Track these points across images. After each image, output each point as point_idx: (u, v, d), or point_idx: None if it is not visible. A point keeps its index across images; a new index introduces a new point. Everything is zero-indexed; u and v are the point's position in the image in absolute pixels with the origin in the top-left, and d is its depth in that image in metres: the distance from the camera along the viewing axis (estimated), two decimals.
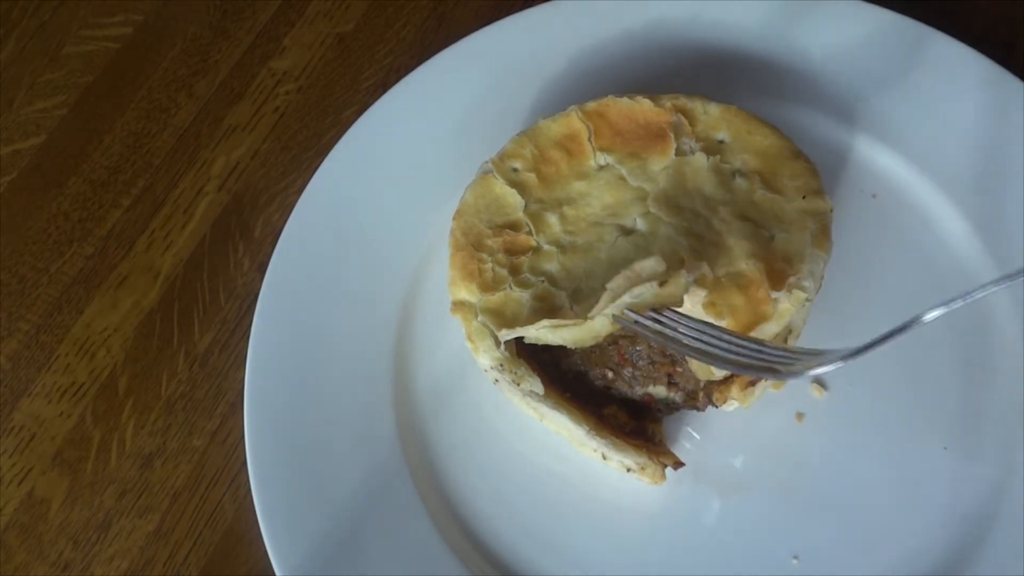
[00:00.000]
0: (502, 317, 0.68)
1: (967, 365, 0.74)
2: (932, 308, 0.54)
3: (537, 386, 0.68)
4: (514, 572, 0.70)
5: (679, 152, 0.72)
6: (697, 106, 0.74)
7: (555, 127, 0.74)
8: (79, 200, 0.89)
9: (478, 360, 0.68)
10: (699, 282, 0.65)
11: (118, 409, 0.80)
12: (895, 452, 0.71)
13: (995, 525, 0.68)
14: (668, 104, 0.74)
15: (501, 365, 0.67)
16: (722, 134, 0.74)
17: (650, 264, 0.63)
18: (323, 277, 0.79)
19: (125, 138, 0.92)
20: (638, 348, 0.70)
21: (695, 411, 0.71)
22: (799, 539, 0.69)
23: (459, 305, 0.69)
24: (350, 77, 0.93)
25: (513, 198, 0.72)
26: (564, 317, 0.65)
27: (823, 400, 0.74)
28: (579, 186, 0.72)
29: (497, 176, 0.73)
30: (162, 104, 0.93)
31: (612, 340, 0.70)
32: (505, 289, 0.68)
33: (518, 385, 0.68)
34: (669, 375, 0.70)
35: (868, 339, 0.75)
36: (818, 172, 0.72)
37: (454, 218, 0.72)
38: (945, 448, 0.71)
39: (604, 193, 0.72)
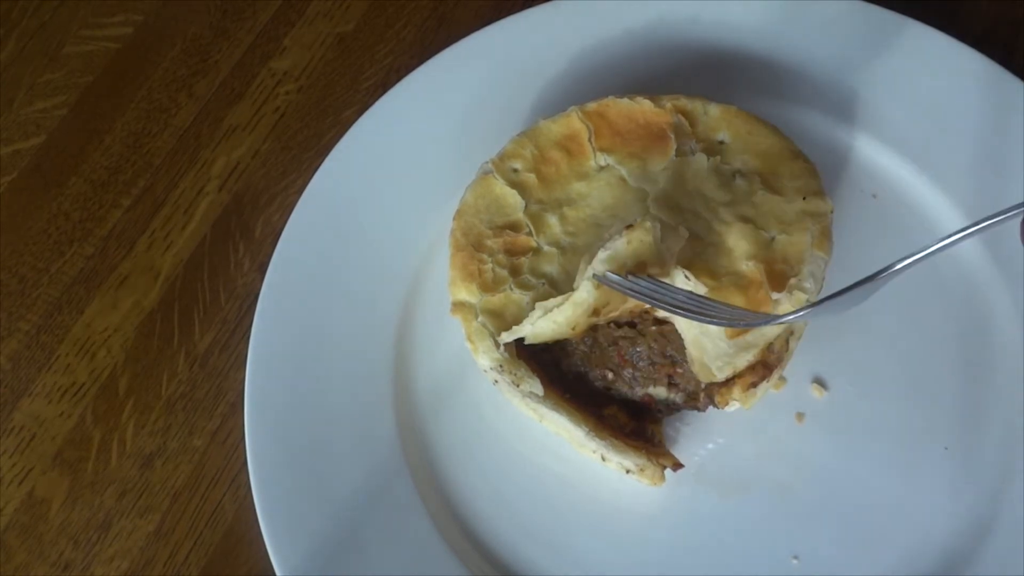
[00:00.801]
0: (502, 318, 0.68)
1: (967, 365, 0.74)
2: (903, 259, 0.54)
3: (537, 387, 0.68)
4: (514, 572, 0.70)
5: (679, 153, 0.72)
6: (697, 107, 0.74)
7: (555, 127, 0.74)
8: (79, 200, 0.89)
9: (478, 361, 0.68)
10: (696, 271, 0.65)
11: (118, 409, 0.80)
12: (895, 452, 0.71)
13: (995, 525, 0.68)
14: (668, 105, 0.74)
15: (501, 366, 0.67)
16: (722, 135, 0.74)
17: (617, 226, 0.64)
18: (323, 277, 0.79)
19: (125, 138, 0.92)
20: (638, 349, 0.70)
21: (695, 412, 0.71)
22: (799, 539, 0.69)
23: (459, 306, 0.69)
24: (350, 77, 0.93)
25: (513, 198, 0.72)
26: None
27: (823, 400, 0.74)
28: (579, 187, 0.72)
29: (497, 176, 0.73)
30: (162, 104, 0.93)
31: (612, 341, 0.70)
32: (505, 290, 0.69)
33: (518, 386, 0.68)
34: (669, 376, 0.70)
35: (868, 339, 0.76)
36: (818, 173, 0.72)
37: (454, 218, 0.73)
38: (946, 448, 0.71)
39: (604, 194, 0.72)
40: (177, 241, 0.86)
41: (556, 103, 0.83)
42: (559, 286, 0.68)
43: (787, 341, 0.69)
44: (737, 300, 0.65)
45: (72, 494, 0.77)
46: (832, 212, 0.70)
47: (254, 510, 0.70)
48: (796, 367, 0.73)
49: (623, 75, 0.85)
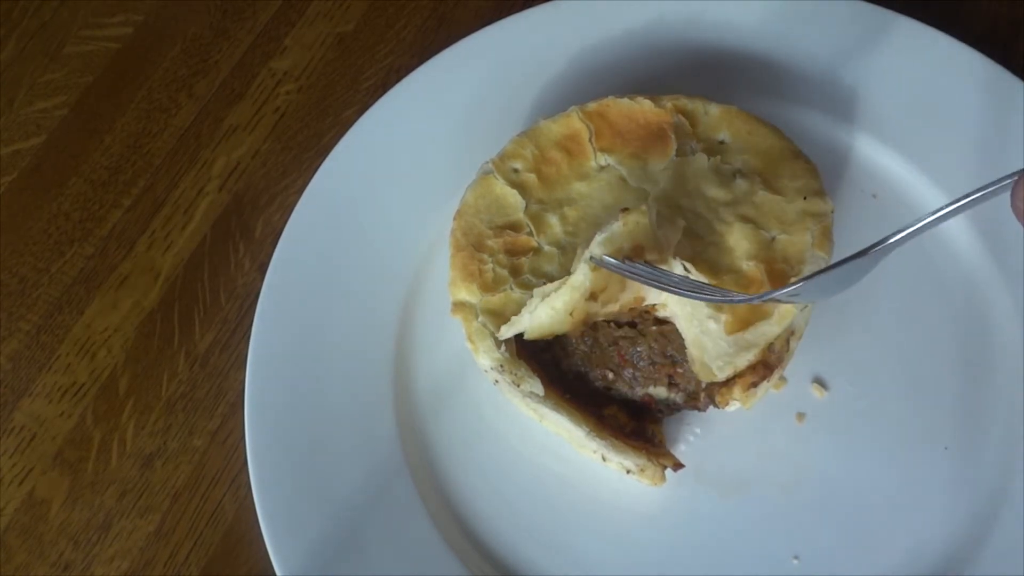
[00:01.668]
0: (503, 318, 0.68)
1: (967, 365, 0.74)
2: (895, 233, 0.52)
3: (537, 387, 0.68)
4: (514, 572, 0.70)
5: (680, 153, 0.72)
6: (698, 107, 0.74)
7: (556, 127, 0.74)
8: (79, 200, 0.89)
9: (478, 361, 0.68)
10: (696, 267, 0.66)
11: (119, 409, 0.80)
12: (895, 452, 0.71)
13: (995, 525, 0.68)
14: (669, 105, 0.74)
15: (501, 366, 0.67)
16: (723, 135, 0.74)
17: (614, 212, 0.64)
18: (323, 277, 0.79)
19: (125, 138, 0.92)
20: (639, 349, 0.70)
21: (696, 412, 0.71)
22: (800, 539, 0.69)
23: (460, 306, 0.69)
24: (350, 77, 0.93)
25: (514, 198, 0.72)
26: None
27: (824, 400, 0.74)
28: (580, 187, 0.72)
29: (498, 176, 0.73)
30: (162, 104, 0.93)
31: (612, 341, 0.70)
32: (506, 290, 0.69)
33: (518, 386, 0.68)
34: (670, 376, 0.70)
35: (868, 339, 0.76)
36: (819, 173, 0.72)
37: (455, 218, 0.73)
38: (946, 448, 0.71)
39: (605, 194, 0.72)
40: (177, 241, 0.86)
41: (556, 103, 0.83)
42: None
43: (787, 341, 0.69)
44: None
45: (72, 494, 0.77)
46: (833, 212, 0.70)
47: (254, 510, 0.70)
48: (796, 367, 0.73)
49: (623, 75, 0.85)
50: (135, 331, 0.83)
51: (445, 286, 0.71)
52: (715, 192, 0.70)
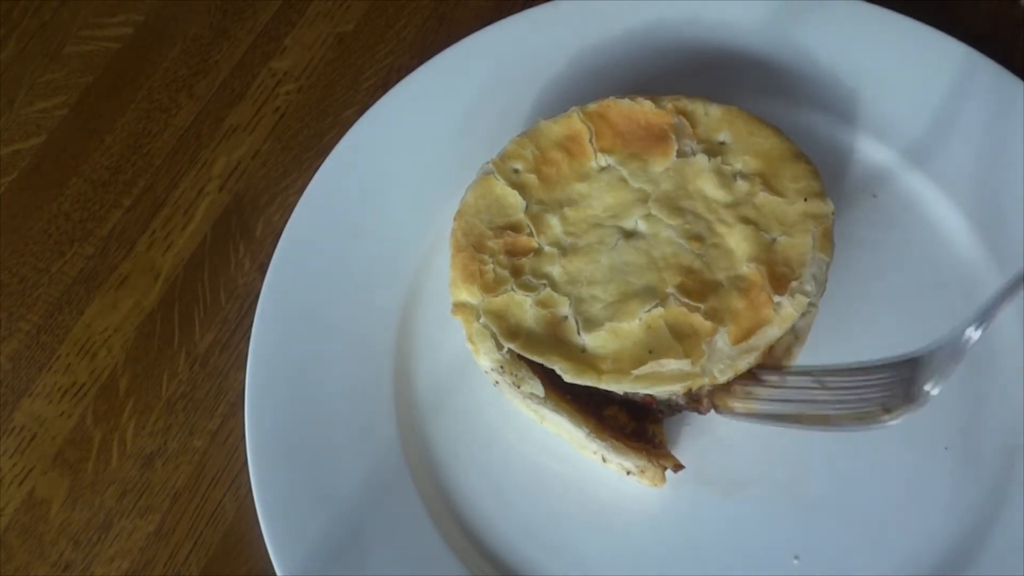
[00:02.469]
0: (504, 319, 0.68)
1: (967, 365, 0.74)
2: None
3: (538, 388, 0.68)
4: (514, 573, 0.70)
5: (680, 154, 0.72)
6: (698, 107, 0.74)
7: (556, 128, 0.74)
8: (80, 200, 0.89)
9: (479, 362, 0.68)
10: (692, 280, 0.65)
11: (119, 409, 0.80)
12: (895, 452, 0.71)
13: (995, 525, 0.68)
14: (669, 105, 0.74)
15: (502, 367, 0.67)
16: (723, 135, 0.74)
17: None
18: (324, 277, 0.79)
19: (126, 138, 0.92)
20: None
21: (696, 412, 0.71)
22: (800, 539, 0.69)
23: (460, 306, 0.69)
24: (351, 77, 0.93)
25: (514, 199, 0.72)
26: (571, 340, 0.66)
27: None
28: (580, 187, 0.72)
29: (498, 177, 0.73)
30: (163, 104, 0.93)
31: None
32: (507, 291, 0.69)
33: (519, 387, 0.68)
34: None
35: (869, 339, 0.75)
36: (820, 174, 0.72)
37: (455, 219, 0.72)
38: (946, 448, 0.71)
39: (605, 194, 0.72)
40: (177, 241, 0.86)
41: (557, 103, 0.83)
42: (560, 288, 0.68)
43: (791, 349, 0.69)
44: (738, 303, 0.65)
45: (72, 494, 0.77)
46: (834, 214, 0.70)
47: (254, 510, 0.70)
48: None
49: (623, 75, 0.85)
50: (135, 331, 0.83)
51: (445, 286, 0.71)
52: (716, 193, 0.70)
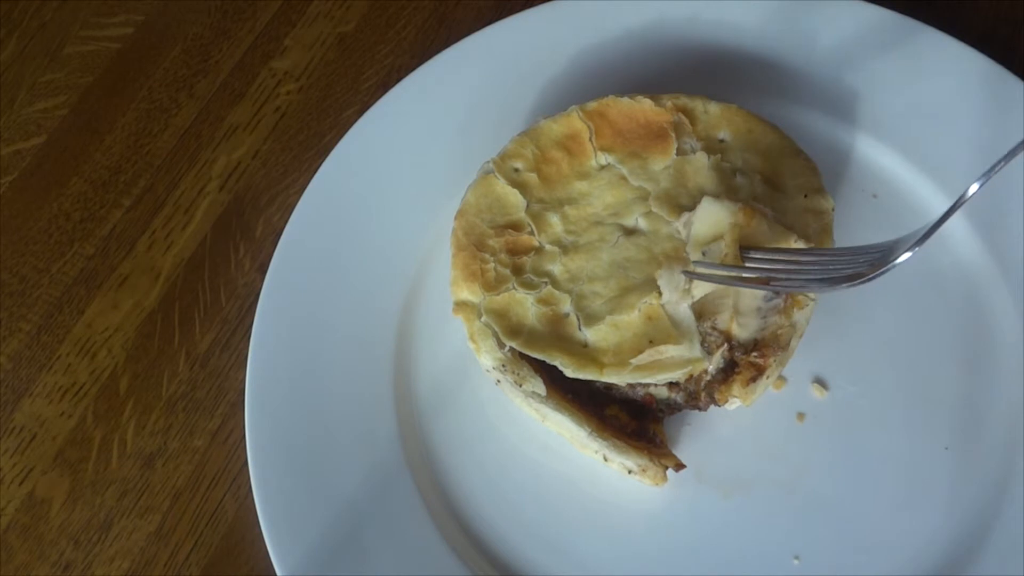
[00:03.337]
0: (506, 318, 0.68)
1: (967, 365, 0.74)
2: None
3: (539, 387, 0.68)
4: (515, 572, 0.70)
5: (680, 151, 0.72)
6: (698, 105, 0.74)
7: (556, 127, 0.74)
8: (80, 200, 0.89)
9: (480, 361, 0.68)
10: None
11: (119, 409, 0.80)
12: (896, 452, 0.71)
13: (995, 525, 0.68)
14: (669, 104, 0.74)
15: (503, 366, 0.67)
16: (723, 133, 0.74)
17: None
18: (324, 277, 0.79)
19: (126, 138, 0.92)
20: None
21: (696, 411, 0.71)
22: (800, 539, 0.69)
23: (461, 305, 0.69)
24: (351, 77, 0.93)
25: (515, 198, 0.72)
26: (572, 336, 0.66)
27: (824, 400, 0.74)
28: (580, 186, 0.72)
29: (498, 176, 0.73)
30: (163, 104, 0.93)
31: None
32: (508, 289, 0.69)
33: (520, 386, 0.68)
34: None
35: (868, 339, 0.76)
36: (819, 170, 0.72)
37: (456, 218, 0.73)
38: (946, 448, 0.71)
39: (605, 193, 0.72)
40: (178, 241, 0.86)
41: (556, 103, 0.83)
42: (561, 286, 0.68)
43: (789, 341, 0.69)
44: None
45: (73, 494, 0.77)
46: (833, 210, 0.70)
47: (255, 510, 0.70)
48: (796, 367, 0.73)
49: (623, 74, 0.85)
50: (135, 331, 0.83)
51: (446, 286, 0.71)
52: (716, 190, 0.70)
